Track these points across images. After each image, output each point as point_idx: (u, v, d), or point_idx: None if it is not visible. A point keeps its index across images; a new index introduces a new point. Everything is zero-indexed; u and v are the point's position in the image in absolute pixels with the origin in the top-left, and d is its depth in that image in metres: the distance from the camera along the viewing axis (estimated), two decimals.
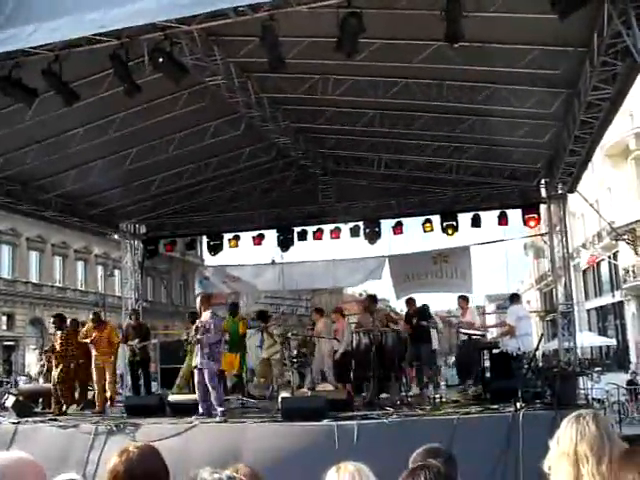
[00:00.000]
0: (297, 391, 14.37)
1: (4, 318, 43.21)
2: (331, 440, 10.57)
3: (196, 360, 12.88)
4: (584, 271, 48.90)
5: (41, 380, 18.42)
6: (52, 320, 15.96)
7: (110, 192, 18.88)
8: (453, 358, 21.40)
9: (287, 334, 17.68)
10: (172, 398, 14.35)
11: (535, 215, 19.05)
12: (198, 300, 13.88)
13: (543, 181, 18.31)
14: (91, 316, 15.85)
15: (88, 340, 15.01)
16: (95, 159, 16.45)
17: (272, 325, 17.35)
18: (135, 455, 3.03)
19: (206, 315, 12.99)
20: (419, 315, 16.04)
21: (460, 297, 17.16)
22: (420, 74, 12.98)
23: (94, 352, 14.99)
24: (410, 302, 17.01)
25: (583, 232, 46.46)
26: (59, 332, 15.29)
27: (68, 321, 16.16)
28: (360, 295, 50.61)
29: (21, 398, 15.14)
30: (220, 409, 12.62)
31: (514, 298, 16.27)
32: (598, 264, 45.76)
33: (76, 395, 15.74)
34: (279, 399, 12.88)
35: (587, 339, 37.97)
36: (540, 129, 14.89)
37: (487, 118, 14.69)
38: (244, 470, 3.43)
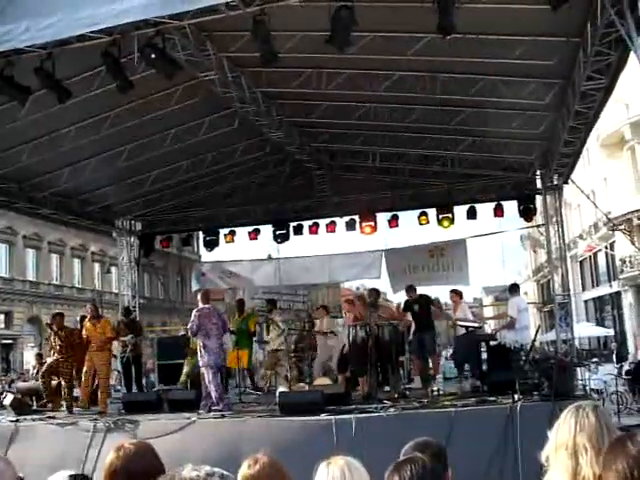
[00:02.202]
0: (295, 385, 14.37)
1: (2, 317, 43.16)
2: (329, 434, 10.58)
3: None
4: (581, 262, 48.94)
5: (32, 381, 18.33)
6: (54, 318, 15.67)
7: (105, 189, 18.91)
8: (450, 351, 21.31)
9: (286, 328, 17.73)
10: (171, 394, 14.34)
11: (531, 206, 19.06)
12: (198, 297, 13.81)
13: (538, 172, 18.34)
14: (88, 307, 15.65)
15: (84, 334, 14.82)
16: (89, 156, 16.43)
17: (276, 314, 17.24)
18: (131, 451, 3.04)
19: None
20: (420, 303, 15.82)
21: (452, 291, 16.59)
22: (414, 66, 12.97)
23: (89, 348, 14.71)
24: (410, 290, 16.61)
25: (579, 223, 46.48)
26: (61, 332, 15.07)
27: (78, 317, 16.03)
28: (357, 289, 50.68)
29: (19, 396, 15.12)
30: (220, 405, 12.63)
31: (514, 289, 16.05)
32: (595, 255, 45.80)
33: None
34: (277, 393, 12.88)
35: (584, 330, 38.02)
36: (534, 120, 14.88)
37: (481, 110, 14.69)
38: (264, 460, 3.43)
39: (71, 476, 3.84)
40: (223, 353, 13.42)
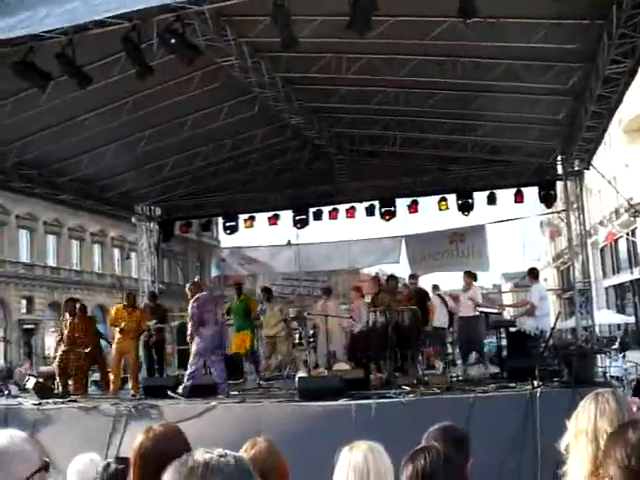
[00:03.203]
0: (314, 370, 14.40)
1: (24, 302, 43.54)
2: (348, 419, 10.58)
3: None
4: (602, 248, 48.59)
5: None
6: (67, 304, 15.80)
7: (124, 175, 18.97)
8: None
9: (304, 314, 17.70)
10: None
11: (551, 192, 18.94)
12: (187, 286, 13.92)
13: (559, 158, 18.20)
14: (125, 295, 15.73)
15: (117, 328, 14.82)
16: (109, 142, 16.48)
17: (275, 302, 17.17)
18: (160, 434, 3.08)
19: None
20: (419, 295, 15.74)
21: (466, 273, 16.04)
22: (434, 51, 12.88)
23: (118, 335, 14.72)
24: (413, 278, 16.45)
25: (600, 209, 46.12)
26: (70, 317, 15.16)
27: (77, 305, 16.02)
28: (376, 274, 50.64)
29: (41, 380, 15.24)
30: (182, 385, 12.78)
31: (533, 273, 15.78)
32: (616, 241, 45.45)
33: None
34: (296, 379, 12.91)
35: (605, 317, 37.75)
36: (556, 105, 14.77)
37: (502, 95, 14.59)
38: (262, 444, 3.46)
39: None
40: (218, 339, 13.43)
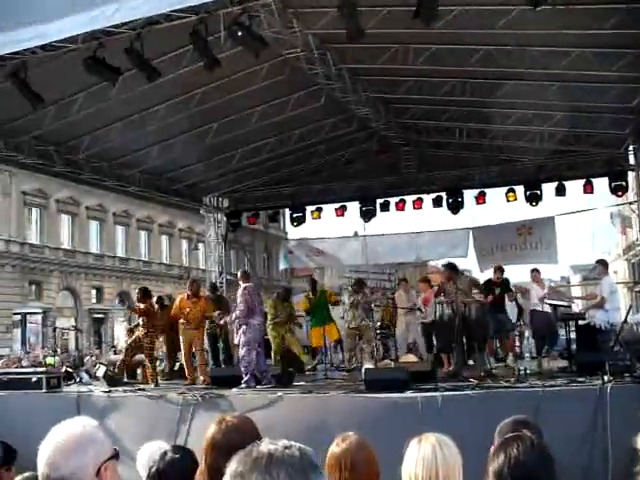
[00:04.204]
0: (380, 362, 14.37)
1: (93, 292, 44.50)
2: (415, 411, 10.53)
3: None
4: None
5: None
6: (136, 292, 15.94)
7: (192, 167, 19.20)
8: None
9: (371, 305, 17.67)
10: None
11: (623, 183, 18.52)
12: (239, 274, 13.97)
13: (631, 147, 17.79)
14: (188, 284, 15.81)
15: (181, 316, 14.94)
16: (177, 135, 16.69)
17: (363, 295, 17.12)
18: (233, 425, 3.11)
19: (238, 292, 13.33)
20: (502, 286, 15.54)
21: (533, 270, 15.85)
22: (501, 40, 12.70)
23: (183, 326, 14.77)
24: (498, 270, 16.17)
25: None
26: (142, 305, 15.20)
27: (154, 298, 16.10)
28: (443, 266, 50.37)
29: (111, 368, 15.53)
30: (245, 378, 12.79)
31: (602, 264, 15.40)
32: None
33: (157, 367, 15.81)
34: (362, 370, 12.90)
35: None
36: (628, 93, 14.43)
37: (571, 83, 14.31)
38: (352, 438, 3.47)
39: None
40: (263, 331, 13.58)
